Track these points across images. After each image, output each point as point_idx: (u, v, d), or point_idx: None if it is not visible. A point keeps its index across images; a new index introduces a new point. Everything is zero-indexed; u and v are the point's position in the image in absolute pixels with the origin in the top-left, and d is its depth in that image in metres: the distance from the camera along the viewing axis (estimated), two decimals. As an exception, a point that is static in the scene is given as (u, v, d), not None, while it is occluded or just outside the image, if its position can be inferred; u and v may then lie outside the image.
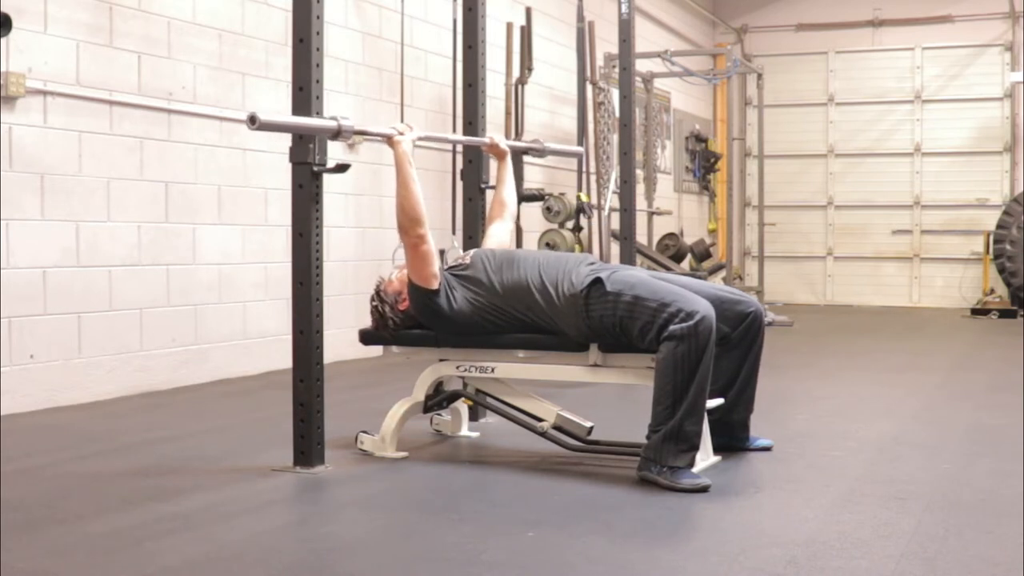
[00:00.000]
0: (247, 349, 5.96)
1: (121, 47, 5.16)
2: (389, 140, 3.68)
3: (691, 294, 3.40)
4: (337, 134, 3.43)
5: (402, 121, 3.82)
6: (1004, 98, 12.13)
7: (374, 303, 3.85)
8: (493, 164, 4.53)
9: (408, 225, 3.61)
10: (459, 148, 4.78)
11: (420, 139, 3.79)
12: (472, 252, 3.88)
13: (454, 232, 4.81)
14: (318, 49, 3.51)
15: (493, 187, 4.64)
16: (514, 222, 4.29)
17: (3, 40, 4.52)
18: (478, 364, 3.77)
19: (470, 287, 3.68)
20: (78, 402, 4.93)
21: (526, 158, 7.82)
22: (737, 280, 12.01)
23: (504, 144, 4.31)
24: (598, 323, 3.48)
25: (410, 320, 3.79)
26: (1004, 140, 12.11)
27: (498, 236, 4.13)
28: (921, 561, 2.58)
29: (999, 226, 11.16)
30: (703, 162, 11.87)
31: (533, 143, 4.70)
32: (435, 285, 3.63)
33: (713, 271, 10.30)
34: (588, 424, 3.77)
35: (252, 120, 3.16)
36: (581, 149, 5.35)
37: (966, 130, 12.28)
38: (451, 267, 3.78)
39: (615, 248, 6.35)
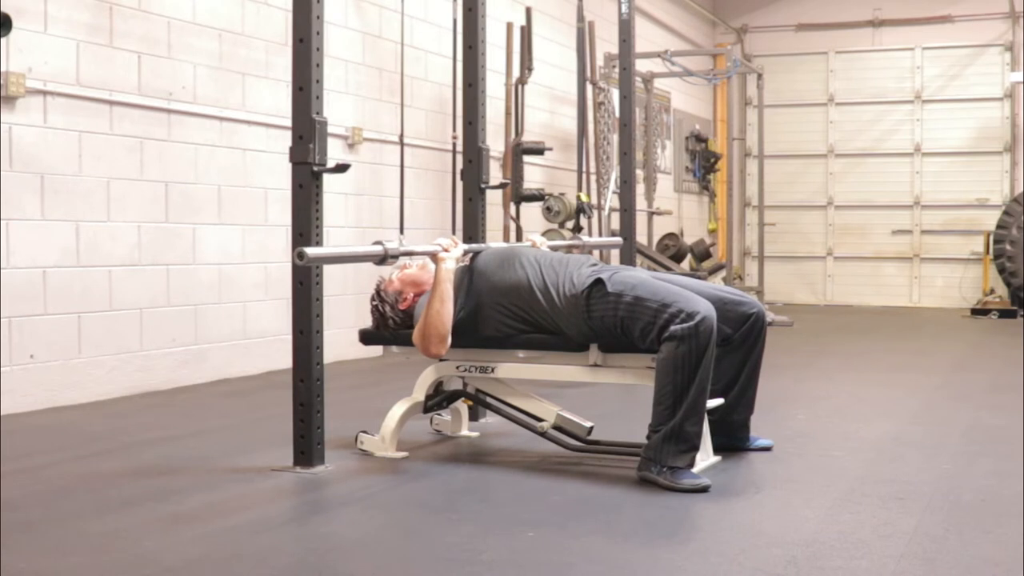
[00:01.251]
0: (247, 349, 5.96)
1: (121, 47, 5.16)
2: (434, 257, 3.68)
3: (692, 295, 3.40)
4: (383, 260, 3.47)
5: (403, 129, 3.81)
6: (1004, 98, 12.13)
7: (374, 302, 3.85)
8: (495, 164, 4.52)
9: (432, 344, 3.61)
10: (459, 148, 4.77)
11: (467, 251, 3.80)
12: (471, 254, 3.88)
13: (454, 232, 4.81)
14: (318, 49, 3.51)
15: (493, 187, 4.66)
16: None
17: (3, 40, 4.52)
18: (478, 364, 3.77)
19: (472, 289, 3.68)
20: (78, 402, 4.93)
21: (526, 158, 7.83)
22: (737, 280, 12.00)
23: (540, 241, 4.26)
24: (599, 323, 3.48)
25: (410, 319, 3.80)
26: (1004, 140, 12.11)
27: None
28: (921, 561, 2.58)
29: (999, 226, 11.16)
30: (703, 162, 11.87)
31: (573, 241, 4.62)
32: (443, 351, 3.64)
33: (713, 271, 10.30)
34: (588, 424, 3.77)
35: (300, 256, 3.21)
36: (620, 240, 5.41)
37: (966, 130, 12.28)
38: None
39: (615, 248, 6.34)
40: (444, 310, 3.58)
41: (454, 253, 3.68)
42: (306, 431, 3.54)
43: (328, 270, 3.97)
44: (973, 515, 3.02)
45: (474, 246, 3.97)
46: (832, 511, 3.05)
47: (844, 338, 8.74)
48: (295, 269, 3.57)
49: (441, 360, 3.84)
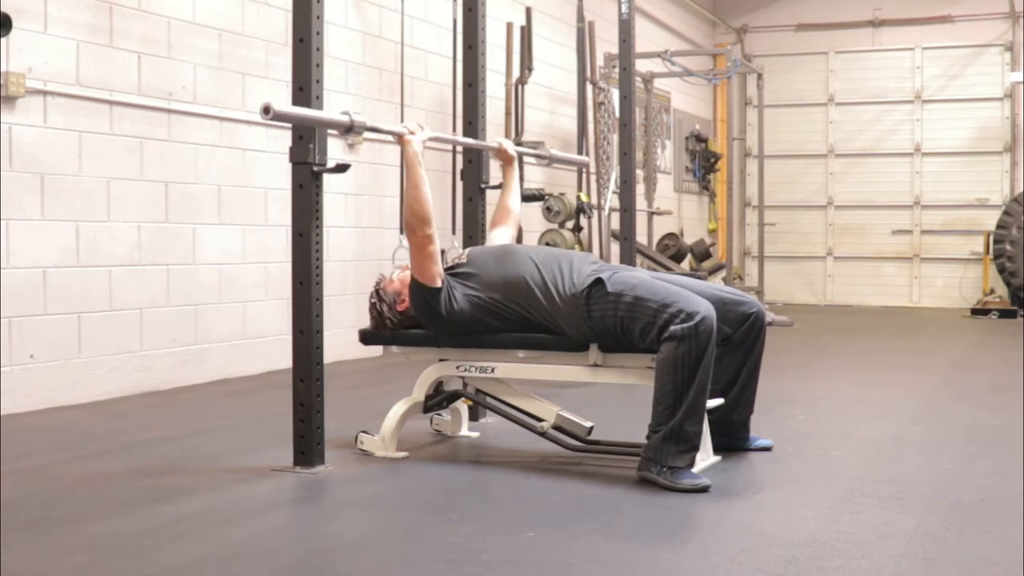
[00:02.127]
0: (247, 349, 5.96)
1: (121, 47, 5.16)
2: (400, 139, 3.68)
3: (692, 294, 3.40)
4: (349, 129, 3.44)
5: (402, 121, 3.82)
6: (1004, 98, 12.13)
7: (372, 300, 3.85)
8: (494, 164, 4.53)
9: (417, 224, 3.61)
10: (459, 148, 4.78)
11: (430, 139, 3.79)
12: (468, 250, 3.89)
13: (454, 232, 4.81)
14: (318, 49, 3.51)
15: (493, 187, 4.65)
16: (517, 228, 4.29)
17: (3, 40, 4.52)
18: (478, 364, 3.77)
19: (469, 284, 3.68)
20: (78, 402, 4.93)
21: (526, 158, 7.83)
22: (737, 280, 12.01)
23: (512, 149, 4.30)
24: (599, 323, 3.48)
25: (407, 320, 3.80)
26: (1004, 140, 12.11)
27: (500, 241, 4.13)
28: (921, 561, 2.58)
29: (999, 226, 11.16)
30: (703, 162, 11.87)
31: (538, 148, 4.68)
32: (439, 283, 3.63)
33: (713, 271, 10.31)
34: (588, 424, 3.77)
35: (266, 110, 3.16)
36: (586, 159, 5.36)
37: (966, 130, 12.28)
38: (449, 267, 3.78)
39: (615, 248, 6.35)
40: (419, 194, 3.59)
41: (420, 136, 3.69)
42: (306, 431, 3.54)
43: (328, 270, 3.97)
44: (973, 515, 3.02)
45: (442, 135, 3.95)
46: (832, 511, 3.05)
47: (844, 338, 8.74)
48: (295, 269, 3.56)
49: (441, 360, 3.85)
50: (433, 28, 7.43)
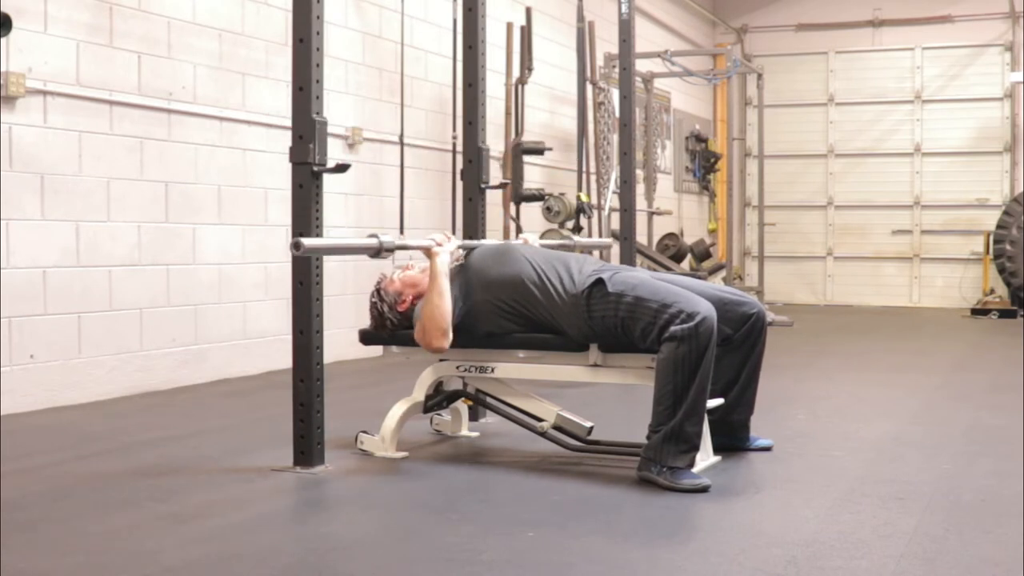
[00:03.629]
0: (247, 349, 5.96)
1: (121, 47, 5.16)
2: (428, 251, 3.68)
3: (692, 295, 3.40)
4: (378, 253, 3.47)
5: (403, 128, 3.82)
6: (1004, 98, 12.13)
7: (373, 300, 3.85)
8: (495, 165, 4.52)
9: (433, 338, 3.59)
10: (459, 148, 4.77)
11: (460, 246, 3.80)
12: (466, 252, 3.88)
13: (454, 232, 4.81)
14: (318, 49, 3.51)
15: (493, 187, 4.66)
16: None
17: (3, 40, 4.52)
18: (478, 364, 3.77)
19: (468, 285, 3.68)
20: (78, 402, 4.93)
21: (526, 158, 7.83)
22: (737, 280, 12.01)
23: (533, 240, 4.26)
24: (600, 323, 3.48)
25: (408, 321, 3.80)
26: (1004, 140, 12.11)
27: None
28: (921, 561, 2.58)
29: (999, 226, 11.16)
30: (703, 162, 11.87)
31: (564, 240, 4.66)
32: (446, 344, 3.63)
33: (713, 271, 10.31)
34: (588, 424, 3.76)
35: (296, 247, 3.22)
36: (609, 242, 5.38)
37: (966, 130, 12.28)
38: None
39: (615, 248, 6.35)
40: (443, 303, 3.58)
41: (448, 247, 3.68)
42: (306, 431, 3.54)
43: (328, 270, 3.97)
44: (973, 515, 3.02)
45: (469, 243, 3.98)
46: (832, 511, 3.05)
47: (844, 338, 8.74)
48: (295, 269, 3.56)
49: (441, 360, 3.85)
50: (433, 28, 7.43)
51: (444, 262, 3.63)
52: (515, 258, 3.68)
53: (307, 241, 3.24)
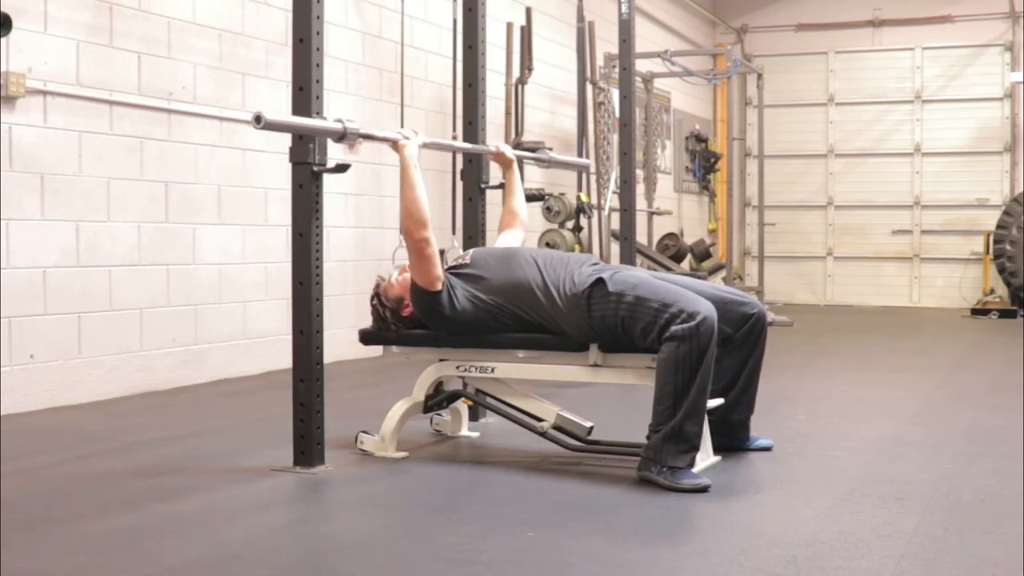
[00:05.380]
0: (247, 349, 5.96)
1: (121, 47, 5.16)
2: (394, 144, 3.68)
3: (693, 294, 3.40)
4: (342, 136, 3.43)
5: (401, 125, 3.83)
6: (1004, 98, 12.13)
7: (375, 304, 3.85)
8: (495, 165, 4.52)
9: (413, 228, 3.61)
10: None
11: (424, 145, 3.80)
12: (471, 251, 3.89)
13: (454, 232, 4.81)
14: (318, 49, 3.51)
15: (493, 187, 4.65)
16: (524, 231, 4.27)
17: (3, 40, 4.52)
18: (478, 364, 3.77)
19: (471, 286, 3.68)
20: (78, 402, 4.93)
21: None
22: (737, 280, 12.00)
23: (510, 152, 4.31)
24: (600, 323, 3.48)
25: (411, 323, 3.80)
26: (1004, 140, 12.11)
27: (508, 244, 4.12)
28: (921, 561, 2.58)
29: (999, 226, 11.16)
30: (703, 162, 11.87)
31: (538, 150, 4.67)
32: (439, 287, 3.63)
33: (713, 271, 10.31)
34: (588, 424, 3.76)
35: (258, 119, 3.15)
36: (587, 161, 5.36)
37: (966, 130, 12.28)
38: (451, 267, 3.79)
39: (615, 248, 6.35)
40: (416, 195, 3.60)
41: (415, 140, 3.71)
42: (306, 431, 3.54)
43: (328, 270, 3.97)
44: (973, 515, 3.02)
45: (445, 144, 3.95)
46: (832, 511, 3.05)
47: (844, 338, 8.74)
48: (295, 269, 3.56)
49: (441, 360, 3.85)
50: (433, 28, 7.43)
51: (412, 154, 3.65)
52: (521, 262, 3.67)
53: (268, 116, 3.19)
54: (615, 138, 7.55)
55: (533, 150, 7.64)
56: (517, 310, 3.63)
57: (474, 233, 4.59)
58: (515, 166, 4.31)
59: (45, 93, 4.79)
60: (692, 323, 3.28)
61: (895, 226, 12.53)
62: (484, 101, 4.65)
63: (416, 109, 7.26)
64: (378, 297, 3.83)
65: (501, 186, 4.72)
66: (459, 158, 4.76)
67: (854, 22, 12.64)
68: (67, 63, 4.89)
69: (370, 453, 3.79)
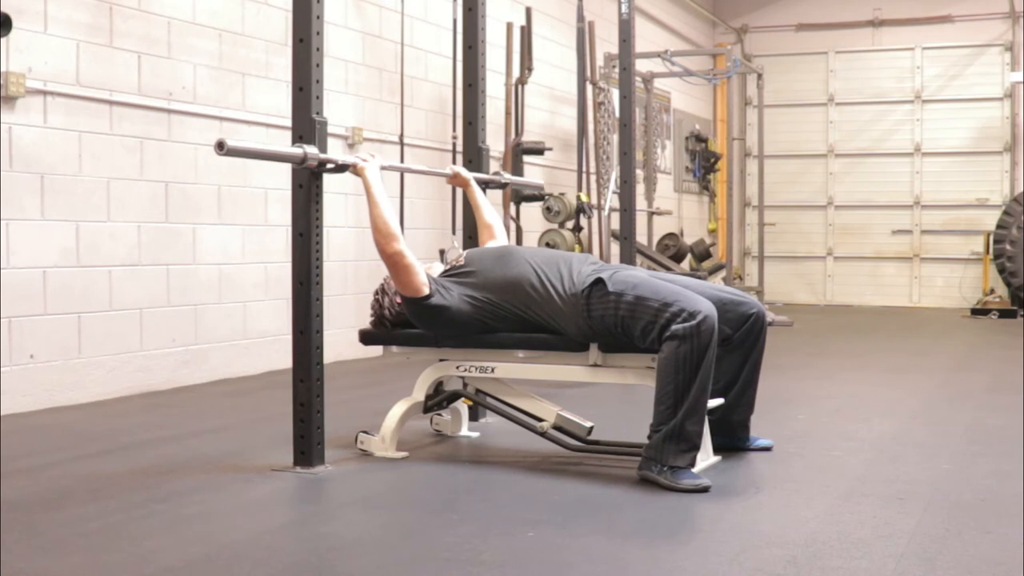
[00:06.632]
0: (247, 349, 5.96)
1: (121, 47, 5.16)
2: (354, 168, 3.71)
3: (693, 294, 3.40)
4: (303, 161, 3.45)
5: (403, 127, 3.83)
6: (1004, 98, 12.13)
7: (377, 295, 3.88)
8: (494, 165, 4.52)
9: (384, 243, 3.62)
10: (459, 148, 4.78)
11: (385, 167, 3.86)
12: (467, 252, 3.89)
13: (454, 232, 4.81)
14: (318, 49, 3.51)
15: (493, 187, 4.66)
16: (505, 233, 4.31)
17: (3, 40, 4.52)
18: (478, 364, 3.77)
19: (467, 287, 3.68)
20: (78, 402, 4.93)
21: (526, 158, 7.83)
22: (737, 280, 12.01)
23: (465, 173, 4.36)
24: (599, 323, 3.48)
25: (405, 318, 3.80)
26: (1004, 140, 12.11)
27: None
28: (921, 561, 2.58)
29: (999, 226, 11.16)
30: (703, 162, 11.87)
31: (494, 175, 4.71)
32: (426, 291, 3.63)
33: (713, 271, 10.31)
34: (588, 424, 3.76)
35: (220, 146, 3.16)
36: (540, 183, 5.44)
37: (966, 130, 12.28)
38: (447, 271, 3.79)
39: (615, 248, 6.36)
40: (381, 212, 3.65)
41: (373, 162, 3.76)
42: (306, 431, 3.54)
43: (328, 270, 3.97)
44: (973, 515, 3.02)
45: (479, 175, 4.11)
46: (832, 511, 3.05)
47: (844, 338, 8.74)
48: (295, 269, 3.56)
49: (441, 360, 3.85)
50: (433, 28, 7.43)
51: (372, 175, 3.70)
52: (517, 261, 3.68)
53: (231, 142, 3.20)
54: (615, 138, 7.55)
55: (533, 150, 7.70)
56: (514, 308, 3.63)
57: (474, 233, 4.58)
58: (474, 184, 4.34)
59: (45, 93, 4.79)
60: (693, 322, 3.28)
61: (895, 226, 12.53)
62: (484, 101, 4.65)
63: (416, 109, 7.26)
64: (382, 287, 3.86)
65: (500, 186, 4.73)
66: (459, 158, 4.76)
67: (854, 22, 12.65)
68: (67, 63, 4.89)
69: (370, 453, 3.79)
